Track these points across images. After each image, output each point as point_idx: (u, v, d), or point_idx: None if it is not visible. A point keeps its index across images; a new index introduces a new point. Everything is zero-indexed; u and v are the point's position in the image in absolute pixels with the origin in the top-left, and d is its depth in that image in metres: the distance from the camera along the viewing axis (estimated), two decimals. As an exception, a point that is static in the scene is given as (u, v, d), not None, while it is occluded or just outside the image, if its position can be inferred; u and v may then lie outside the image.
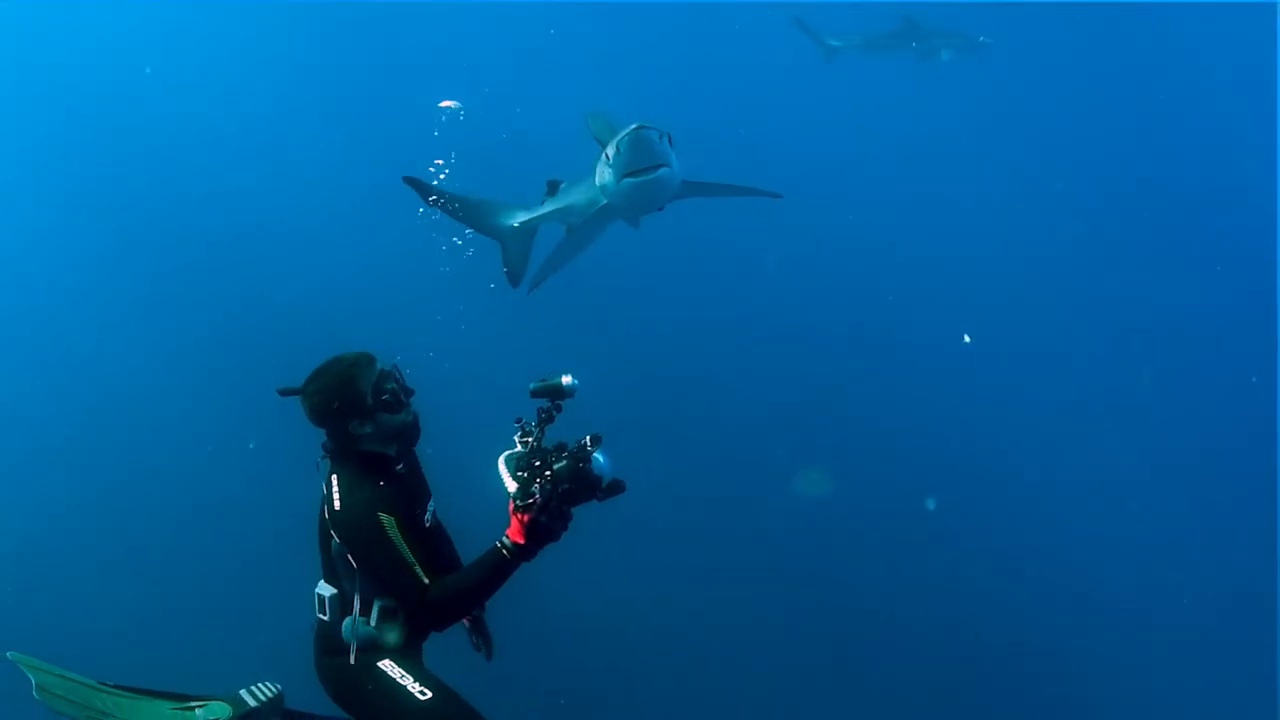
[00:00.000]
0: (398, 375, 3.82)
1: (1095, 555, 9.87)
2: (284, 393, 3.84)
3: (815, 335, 12.32)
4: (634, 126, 5.52)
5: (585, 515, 3.53)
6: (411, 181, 6.67)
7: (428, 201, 6.73)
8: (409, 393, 3.86)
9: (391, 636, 3.72)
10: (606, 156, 5.74)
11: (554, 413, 3.59)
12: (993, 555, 9.55)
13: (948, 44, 13.52)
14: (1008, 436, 11.06)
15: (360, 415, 3.68)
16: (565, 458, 3.43)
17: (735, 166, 7.46)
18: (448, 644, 4.07)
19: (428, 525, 3.91)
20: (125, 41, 14.52)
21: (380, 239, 11.20)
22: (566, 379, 3.54)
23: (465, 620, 4.27)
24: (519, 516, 3.38)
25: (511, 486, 3.46)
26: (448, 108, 8.41)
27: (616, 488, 3.48)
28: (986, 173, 14.48)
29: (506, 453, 3.61)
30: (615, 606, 8.71)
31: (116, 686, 4.04)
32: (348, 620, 3.73)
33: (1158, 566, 9.81)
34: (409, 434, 3.87)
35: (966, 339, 10.16)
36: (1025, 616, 9.11)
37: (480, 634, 4.35)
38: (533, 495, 3.36)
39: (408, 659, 3.74)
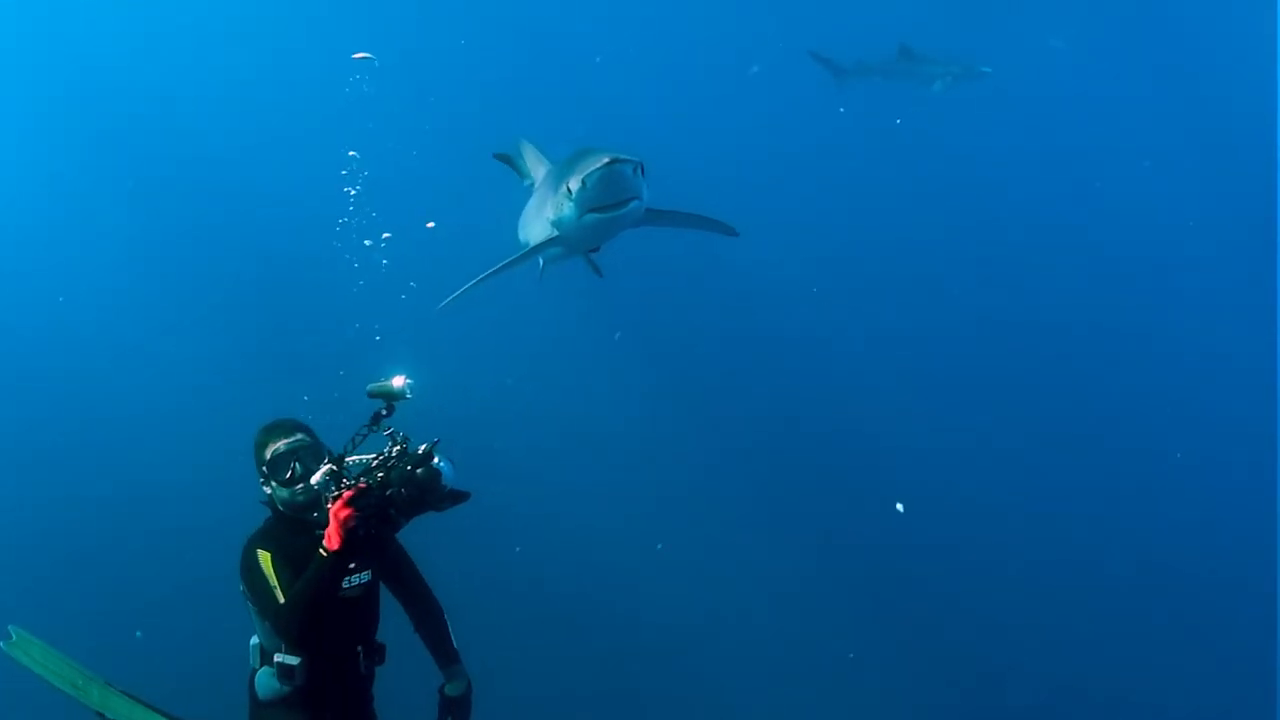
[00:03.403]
0: (304, 455, 3.81)
1: (1094, 555, 10.04)
2: None
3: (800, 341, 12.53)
4: (606, 161, 4.95)
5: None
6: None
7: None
8: (304, 475, 3.79)
9: (284, 691, 3.80)
10: (568, 189, 5.19)
11: (383, 415, 3.62)
12: (985, 555, 9.77)
13: (946, 72, 13.45)
14: (996, 440, 11.22)
15: (263, 479, 3.88)
16: (401, 463, 3.47)
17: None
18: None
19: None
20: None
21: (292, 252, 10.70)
22: (398, 381, 3.59)
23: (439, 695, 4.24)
24: (331, 514, 3.47)
25: (315, 480, 3.57)
26: (362, 59, 7.90)
27: (458, 497, 3.57)
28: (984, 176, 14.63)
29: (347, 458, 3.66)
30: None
31: (123, 693, 4.29)
32: (259, 671, 3.88)
33: (1157, 564, 9.92)
34: (300, 511, 3.85)
35: (899, 508, 10.12)
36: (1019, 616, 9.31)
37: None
38: (337, 493, 3.46)
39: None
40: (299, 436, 3.85)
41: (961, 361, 12.41)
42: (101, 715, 4.24)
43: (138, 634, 8.11)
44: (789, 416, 11.73)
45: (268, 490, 3.87)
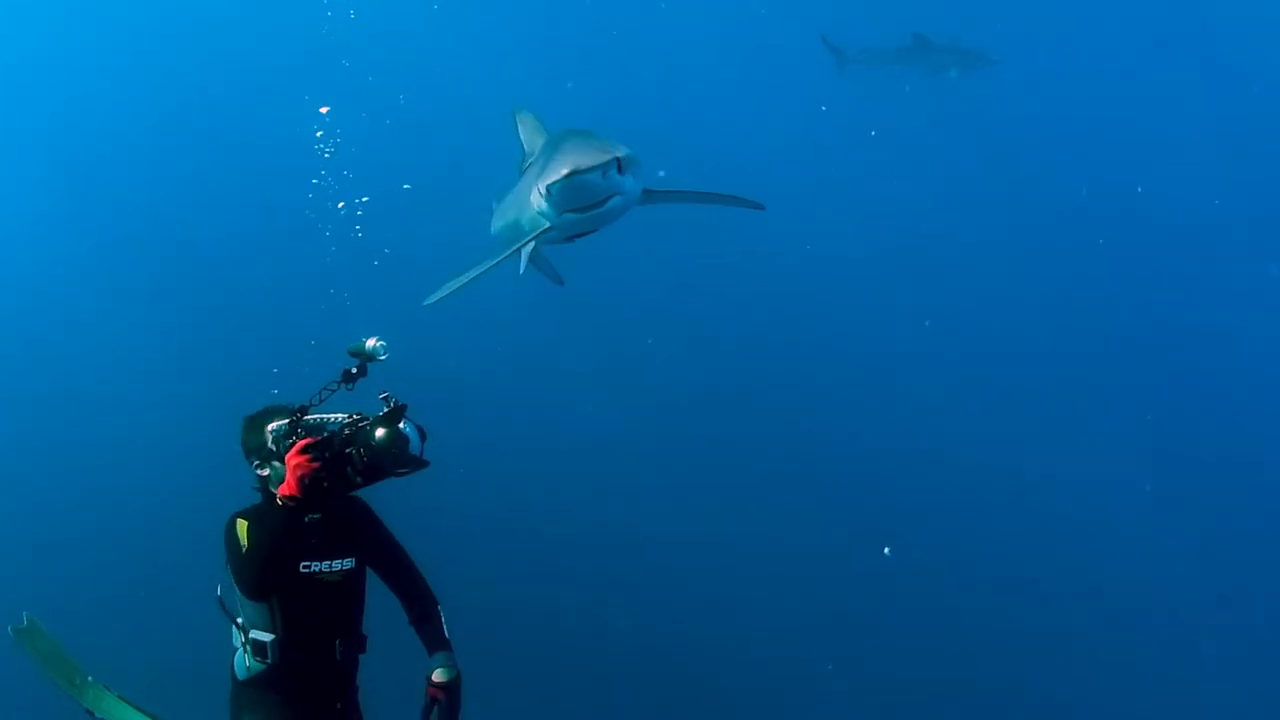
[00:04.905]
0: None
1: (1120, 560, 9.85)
2: None
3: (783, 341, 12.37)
4: (565, 172, 4.71)
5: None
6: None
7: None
8: None
9: (259, 669, 3.83)
10: (541, 189, 4.98)
11: (353, 373, 3.70)
12: (1006, 562, 9.68)
13: (958, 62, 13.55)
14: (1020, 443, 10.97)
15: (261, 457, 3.87)
16: (368, 424, 3.52)
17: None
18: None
19: (305, 571, 3.81)
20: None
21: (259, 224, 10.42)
22: (370, 342, 3.66)
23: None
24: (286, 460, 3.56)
25: (271, 428, 3.71)
26: None
27: (418, 464, 3.56)
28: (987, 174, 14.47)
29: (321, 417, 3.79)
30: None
31: (119, 696, 4.32)
32: (239, 650, 3.91)
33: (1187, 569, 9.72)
34: None
35: (886, 551, 10.02)
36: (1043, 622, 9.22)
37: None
38: (291, 441, 3.54)
39: (258, 703, 3.84)
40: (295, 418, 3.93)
41: (960, 364, 12.22)
42: (91, 714, 4.29)
43: (89, 678, 7.80)
44: (789, 414, 11.55)
45: (264, 473, 3.88)
